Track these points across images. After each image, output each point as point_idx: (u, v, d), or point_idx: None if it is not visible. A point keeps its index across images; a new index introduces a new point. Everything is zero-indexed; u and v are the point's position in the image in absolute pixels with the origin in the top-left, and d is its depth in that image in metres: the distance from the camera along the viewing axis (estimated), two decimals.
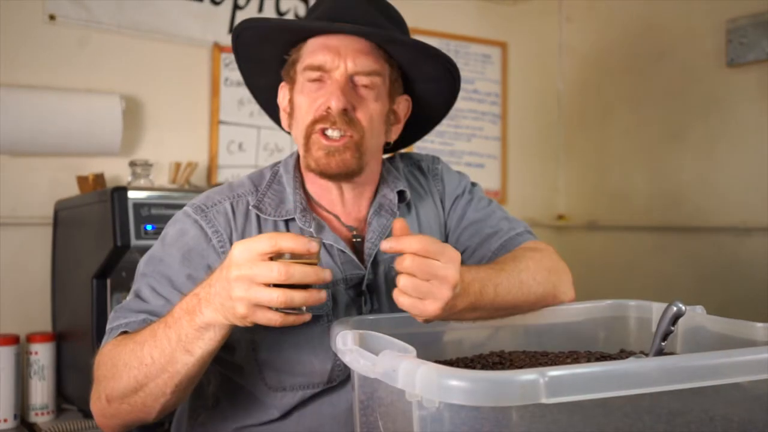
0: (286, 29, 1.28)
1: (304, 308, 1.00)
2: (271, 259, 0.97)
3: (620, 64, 3.16)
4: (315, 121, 1.21)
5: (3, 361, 2.01)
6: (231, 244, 1.22)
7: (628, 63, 3.13)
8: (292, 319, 0.99)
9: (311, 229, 1.25)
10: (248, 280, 0.96)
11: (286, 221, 1.27)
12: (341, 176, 1.25)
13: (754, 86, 2.63)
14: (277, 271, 0.94)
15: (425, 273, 0.99)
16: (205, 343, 1.04)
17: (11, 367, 2.03)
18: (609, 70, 3.22)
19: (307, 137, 1.23)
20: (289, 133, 1.36)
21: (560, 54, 3.44)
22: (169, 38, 2.56)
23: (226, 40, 2.62)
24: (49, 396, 2.11)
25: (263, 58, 1.32)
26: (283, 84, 1.32)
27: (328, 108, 1.20)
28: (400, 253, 1.00)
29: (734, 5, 2.67)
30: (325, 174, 1.24)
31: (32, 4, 2.34)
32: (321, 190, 1.31)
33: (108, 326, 1.21)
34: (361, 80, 1.23)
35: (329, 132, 1.21)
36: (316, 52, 1.23)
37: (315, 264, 0.99)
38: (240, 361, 1.25)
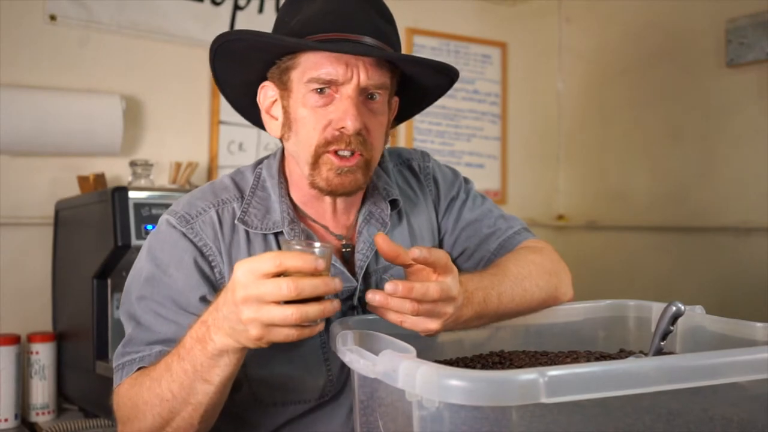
0: (283, 45, 1.16)
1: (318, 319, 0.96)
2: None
3: (620, 64, 3.16)
4: (328, 143, 1.13)
5: (4, 361, 2.01)
6: (221, 256, 1.18)
7: (628, 63, 3.13)
8: (308, 332, 0.94)
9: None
10: (257, 301, 0.91)
11: (275, 234, 1.21)
12: (348, 194, 1.19)
13: (754, 86, 2.63)
14: (287, 288, 0.89)
15: (443, 296, 0.97)
16: (221, 370, 1.01)
17: (12, 366, 2.03)
18: (609, 70, 3.22)
19: (316, 157, 1.15)
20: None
21: (560, 54, 3.44)
22: (169, 38, 2.56)
23: None
24: (50, 396, 2.12)
25: (250, 61, 1.21)
26: (267, 84, 1.22)
27: (342, 128, 1.12)
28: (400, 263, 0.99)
29: (734, 5, 2.67)
30: (334, 193, 1.17)
31: (33, 5, 2.34)
32: (311, 200, 1.24)
33: (116, 362, 1.16)
34: (370, 94, 1.16)
35: (341, 152, 1.14)
36: (322, 63, 1.12)
37: (327, 275, 0.95)
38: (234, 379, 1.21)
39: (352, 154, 1.14)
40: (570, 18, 3.41)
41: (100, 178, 2.24)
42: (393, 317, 0.99)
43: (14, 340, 2.05)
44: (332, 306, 0.93)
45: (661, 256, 2.95)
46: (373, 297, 0.97)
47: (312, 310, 0.91)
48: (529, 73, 3.38)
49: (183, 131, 2.59)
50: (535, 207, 3.34)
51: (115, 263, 1.93)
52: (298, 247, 0.96)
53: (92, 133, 2.31)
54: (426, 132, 3.10)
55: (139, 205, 1.90)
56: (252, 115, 1.31)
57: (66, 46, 2.39)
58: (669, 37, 2.95)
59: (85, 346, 1.99)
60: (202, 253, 1.18)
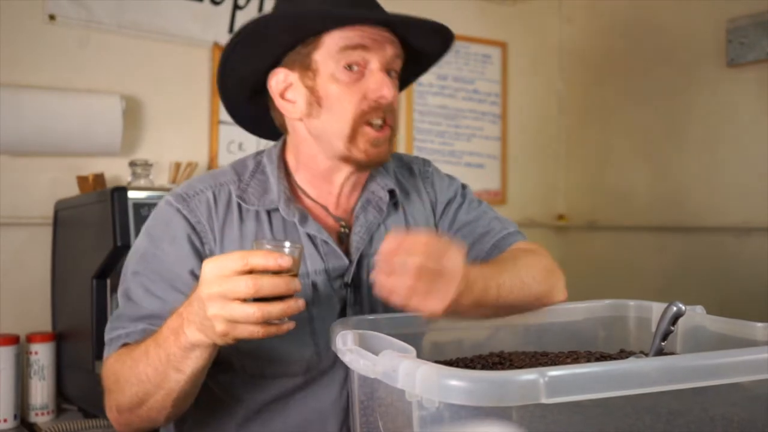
0: (331, 19, 1.21)
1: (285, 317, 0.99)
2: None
3: (620, 64, 3.16)
4: (365, 113, 1.21)
5: (3, 361, 2.01)
6: (213, 234, 1.23)
7: (628, 63, 3.12)
8: (274, 330, 0.98)
9: (295, 219, 1.25)
10: (221, 297, 0.95)
11: (269, 211, 1.26)
12: (379, 164, 1.27)
13: (754, 86, 2.63)
14: (245, 285, 0.93)
15: (433, 275, 0.98)
16: (193, 362, 1.05)
17: (11, 367, 2.02)
18: (609, 70, 3.22)
19: (354, 129, 1.21)
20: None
21: (560, 54, 3.44)
22: (169, 38, 2.56)
23: (226, 40, 2.61)
24: (49, 396, 2.11)
25: (269, 46, 1.26)
26: (279, 70, 1.26)
27: (380, 97, 1.20)
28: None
29: (734, 5, 2.67)
30: (369, 165, 1.25)
31: (32, 4, 2.34)
32: (318, 180, 1.30)
33: (107, 336, 1.21)
34: (394, 68, 1.25)
35: (375, 122, 1.21)
36: (353, 40, 1.20)
37: (296, 274, 0.98)
38: (222, 353, 1.22)
39: (382, 126, 1.22)
40: (570, 18, 3.41)
41: (99, 178, 2.24)
42: (395, 299, 0.99)
43: (13, 340, 2.05)
44: (296, 305, 0.97)
45: (661, 256, 2.95)
46: (374, 279, 0.99)
47: (275, 309, 0.95)
48: (529, 73, 3.37)
49: (183, 131, 2.59)
50: (535, 207, 3.34)
51: (115, 263, 1.93)
52: (268, 247, 0.98)
53: (92, 133, 2.31)
54: (426, 132, 3.10)
55: (139, 205, 1.90)
56: (241, 112, 1.41)
57: (66, 46, 2.38)
58: (669, 37, 2.95)
59: (84, 346, 1.99)
60: (194, 230, 1.22)
